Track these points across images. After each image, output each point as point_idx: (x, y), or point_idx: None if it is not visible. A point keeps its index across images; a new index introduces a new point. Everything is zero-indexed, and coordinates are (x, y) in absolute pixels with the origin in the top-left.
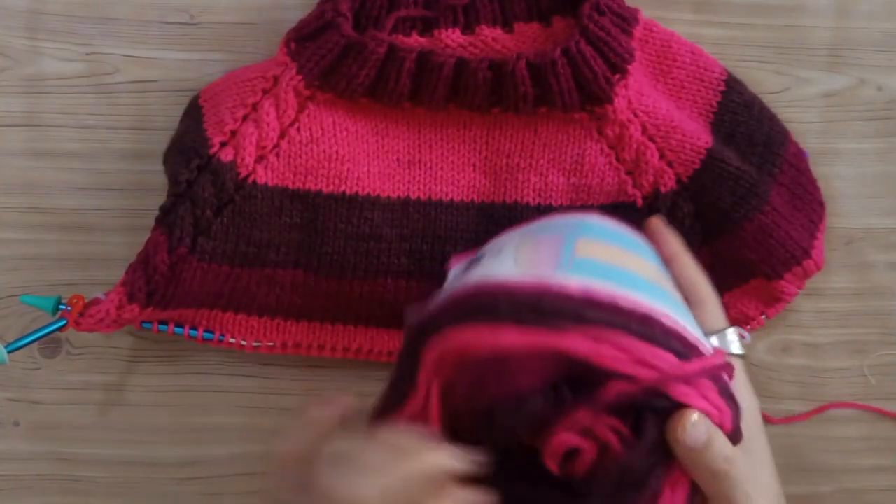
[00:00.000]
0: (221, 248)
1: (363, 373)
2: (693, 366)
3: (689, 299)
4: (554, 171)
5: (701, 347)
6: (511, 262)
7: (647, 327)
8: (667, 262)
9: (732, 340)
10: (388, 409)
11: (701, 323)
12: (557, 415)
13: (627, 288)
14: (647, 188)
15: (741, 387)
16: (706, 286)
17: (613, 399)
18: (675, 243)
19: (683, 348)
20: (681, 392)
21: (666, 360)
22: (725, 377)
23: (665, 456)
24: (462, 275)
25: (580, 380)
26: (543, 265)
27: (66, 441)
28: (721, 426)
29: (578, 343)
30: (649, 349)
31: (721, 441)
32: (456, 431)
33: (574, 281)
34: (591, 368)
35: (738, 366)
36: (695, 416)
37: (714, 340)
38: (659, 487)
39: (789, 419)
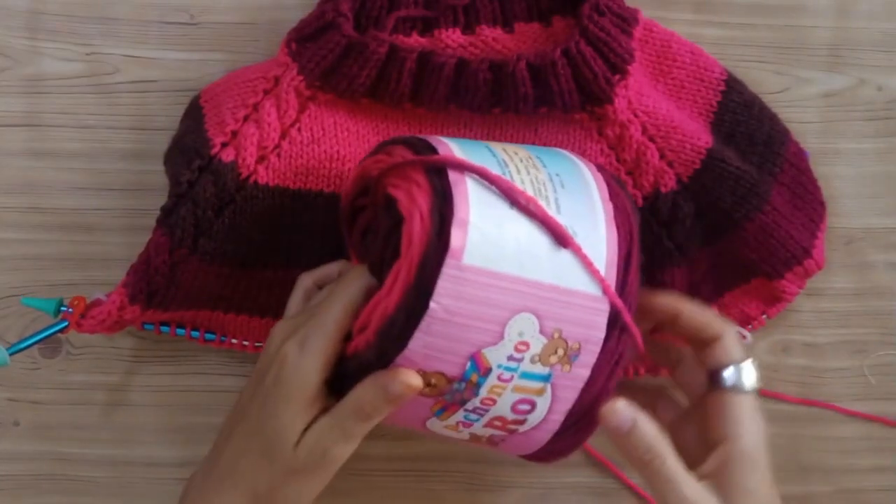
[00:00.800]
0: (222, 249)
1: None
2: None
3: (706, 340)
4: None
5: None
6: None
7: (424, 148)
8: (672, 321)
9: (749, 373)
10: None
11: (719, 356)
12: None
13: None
14: (647, 188)
15: (748, 416)
16: (718, 321)
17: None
18: (670, 302)
19: (429, 152)
20: (390, 182)
21: (401, 153)
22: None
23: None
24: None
25: None
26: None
27: (67, 441)
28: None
29: (373, 159)
30: (403, 151)
31: (644, 430)
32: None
33: (452, 146)
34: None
35: (750, 398)
36: (619, 403)
37: (731, 372)
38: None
39: (776, 395)
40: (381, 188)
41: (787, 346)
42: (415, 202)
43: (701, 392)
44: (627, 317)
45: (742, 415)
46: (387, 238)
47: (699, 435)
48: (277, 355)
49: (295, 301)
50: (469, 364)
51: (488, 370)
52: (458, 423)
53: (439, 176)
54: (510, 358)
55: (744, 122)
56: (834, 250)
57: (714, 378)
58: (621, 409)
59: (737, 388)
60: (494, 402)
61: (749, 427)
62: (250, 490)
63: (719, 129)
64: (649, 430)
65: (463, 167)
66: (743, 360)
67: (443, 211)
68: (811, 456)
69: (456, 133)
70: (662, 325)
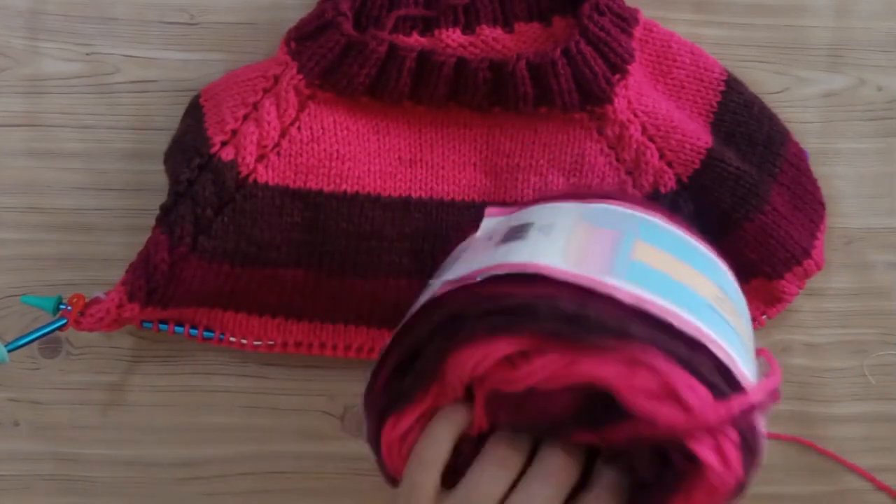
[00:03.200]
0: (222, 248)
1: (364, 372)
2: (721, 409)
3: None
4: (554, 171)
5: (745, 384)
6: (560, 249)
7: (693, 353)
8: None
9: None
10: (402, 394)
11: None
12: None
13: (683, 305)
14: (647, 188)
15: None
16: None
17: (621, 441)
18: None
19: (725, 384)
20: (696, 444)
21: (700, 395)
22: (756, 419)
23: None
24: (502, 240)
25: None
26: (595, 263)
27: (67, 441)
28: (722, 484)
29: (609, 371)
30: (686, 379)
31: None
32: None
33: (626, 287)
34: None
35: None
36: None
37: None
38: None
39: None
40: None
41: (787, 346)
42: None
43: None
44: None
45: None
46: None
47: None
48: None
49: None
50: None
51: None
52: None
53: (748, 426)
54: None
55: (744, 122)
56: (834, 250)
57: None
58: None
59: None
60: None
61: None
62: None
63: (719, 129)
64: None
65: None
66: None
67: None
68: (812, 456)
69: (456, 132)
70: None
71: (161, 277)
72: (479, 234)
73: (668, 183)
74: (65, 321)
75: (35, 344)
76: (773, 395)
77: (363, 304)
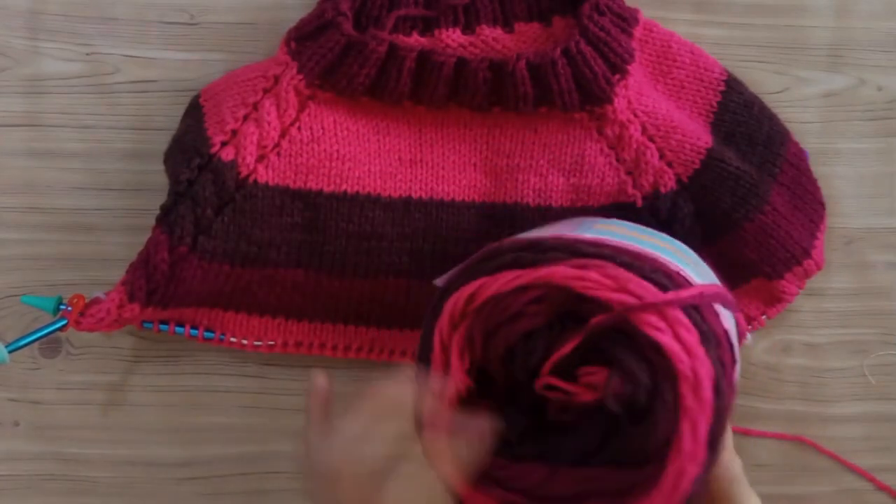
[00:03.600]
0: (222, 248)
1: (364, 372)
2: (668, 295)
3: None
4: (554, 171)
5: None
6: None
7: (636, 260)
8: None
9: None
10: (419, 367)
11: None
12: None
13: (638, 245)
14: (647, 188)
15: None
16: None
17: (591, 330)
18: None
19: (670, 282)
20: (647, 321)
21: (646, 288)
22: (707, 311)
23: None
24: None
25: (577, 315)
26: (563, 229)
27: (67, 441)
28: (691, 373)
29: (562, 272)
30: (632, 278)
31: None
32: (484, 378)
33: (588, 236)
34: (582, 303)
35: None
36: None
37: None
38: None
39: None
40: (622, 325)
41: (787, 346)
42: (695, 356)
43: None
44: None
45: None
46: (636, 390)
47: None
48: None
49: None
50: None
51: None
52: None
53: (700, 315)
54: None
55: (743, 122)
56: (834, 250)
57: None
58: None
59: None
60: None
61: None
62: None
63: (719, 129)
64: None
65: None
66: None
67: (721, 359)
68: (812, 455)
69: (456, 132)
70: None
71: (161, 277)
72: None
73: (668, 183)
74: (65, 321)
75: (35, 344)
76: (720, 294)
77: (363, 304)
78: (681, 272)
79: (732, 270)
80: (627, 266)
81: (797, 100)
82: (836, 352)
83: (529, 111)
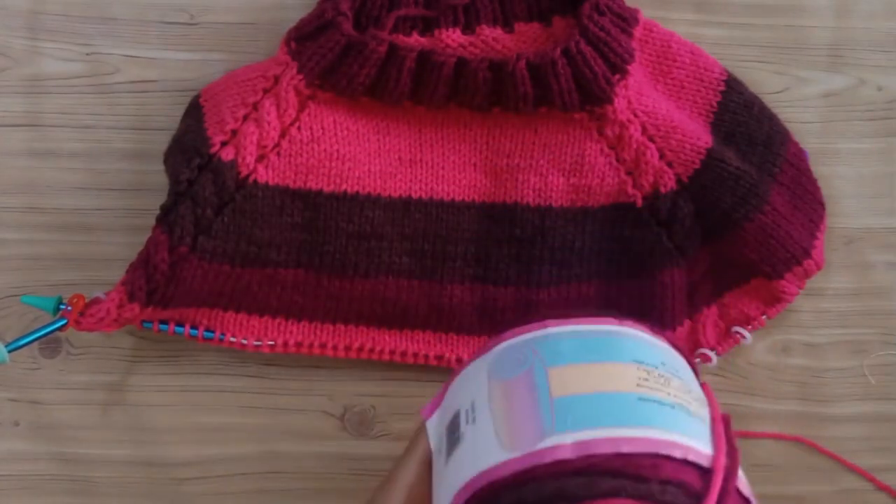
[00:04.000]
0: (222, 248)
1: (364, 372)
2: None
3: None
4: (554, 171)
5: (704, 456)
6: (492, 437)
7: (659, 484)
8: None
9: None
10: None
11: None
12: None
13: (619, 420)
14: (647, 188)
15: None
16: None
17: None
18: None
19: (700, 479)
20: None
21: None
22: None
23: None
24: (447, 450)
25: None
26: (527, 431)
27: (67, 441)
28: None
29: None
30: None
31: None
32: None
33: (565, 440)
34: None
35: None
36: None
37: None
38: None
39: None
40: None
41: (787, 346)
42: None
43: None
44: None
45: None
46: None
47: None
48: None
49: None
50: None
51: None
52: None
53: None
54: None
55: (743, 122)
56: (834, 250)
57: None
58: None
59: None
60: None
61: None
62: None
63: (719, 129)
64: None
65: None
66: None
67: None
68: (812, 455)
69: (456, 132)
70: None
71: (161, 277)
72: (432, 447)
73: (668, 183)
74: (65, 321)
75: (35, 344)
76: (733, 460)
77: (363, 304)
78: (685, 452)
79: (733, 270)
80: (653, 499)
81: (797, 100)
82: (835, 352)
83: (529, 111)
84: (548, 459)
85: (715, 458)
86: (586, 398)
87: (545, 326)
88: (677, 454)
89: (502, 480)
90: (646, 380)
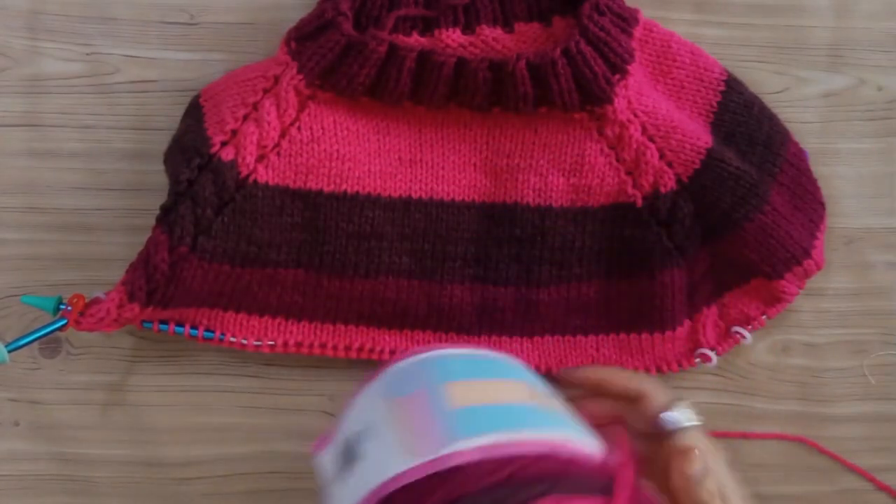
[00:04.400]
0: (222, 248)
1: (364, 372)
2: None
3: (629, 401)
4: (554, 171)
5: (587, 446)
6: (397, 447)
7: (559, 480)
8: (598, 390)
9: (684, 413)
10: None
11: (647, 411)
12: None
13: (517, 425)
14: (647, 188)
15: (710, 460)
16: (637, 379)
17: None
18: (592, 374)
19: (597, 474)
20: None
21: None
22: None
23: None
24: (342, 469)
25: None
26: (430, 439)
27: (67, 441)
28: None
29: None
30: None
31: (713, 480)
32: None
33: (468, 446)
34: None
35: (699, 434)
36: (695, 452)
37: (667, 416)
38: None
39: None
40: None
41: (787, 346)
42: None
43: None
44: None
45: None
46: None
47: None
48: None
49: None
50: None
51: None
52: None
53: None
54: None
55: (743, 122)
56: (834, 250)
57: (656, 428)
58: (698, 459)
59: (678, 427)
60: None
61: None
62: None
63: (719, 129)
64: (714, 476)
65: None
66: (672, 403)
67: None
68: (812, 456)
69: (456, 132)
70: (593, 395)
71: (161, 277)
72: (323, 480)
73: (668, 183)
74: (65, 321)
75: (35, 344)
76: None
77: (363, 304)
78: (575, 447)
79: (732, 270)
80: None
81: (797, 100)
82: (835, 352)
83: (529, 111)
84: (452, 463)
85: (619, 455)
86: (484, 408)
87: (433, 351)
88: (578, 452)
89: (410, 486)
90: (535, 394)
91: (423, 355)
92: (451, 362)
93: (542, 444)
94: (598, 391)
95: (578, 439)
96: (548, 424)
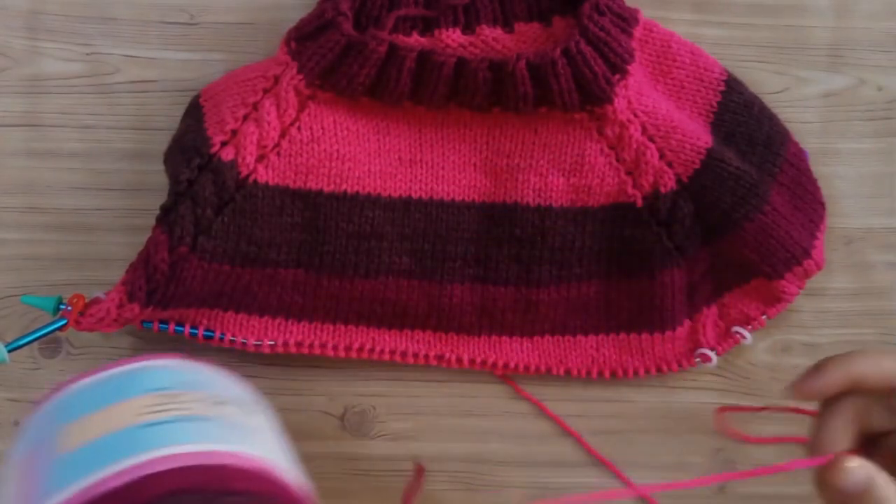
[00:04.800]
0: (222, 248)
1: (364, 372)
2: None
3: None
4: (554, 171)
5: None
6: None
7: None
8: (852, 389)
9: None
10: None
11: None
12: None
13: (118, 455)
14: (647, 188)
15: None
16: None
17: None
18: (832, 376)
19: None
20: None
21: None
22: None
23: None
24: None
25: None
26: (31, 497)
27: None
28: None
29: None
30: None
31: (882, 486)
32: None
33: (63, 495)
34: None
35: None
36: (854, 462)
37: None
38: None
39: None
40: None
41: (787, 346)
42: None
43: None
44: None
45: None
46: None
47: None
48: None
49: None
50: None
51: None
52: None
53: None
54: None
55: (744, 122)
56: (834, 250)
57: None
58: (856, 469)
59: None
60: None
61: None
62: None
63: (719, 129)
64: (888, 491)
65: None
66: None
67: None
68: None
69: (456, 132)
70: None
71: (161, 277)
72: None
73: (668, 183)
74: (65, 321)
75: (35, 344)
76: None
77: (363, 304)
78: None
79: (732, 270)
80: None
81: (797, 100)
82: (836, 352)
83: (529, 111)
84: None
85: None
86: (88, 447)
87: (67, 385)
88: (193, 461)
89: None
90: (157, 405)
91: (53, 399)
92: (72, 399)
93: (147, 465)
94: (854, 392)
95: (201, 443)
96: (157, 440)
